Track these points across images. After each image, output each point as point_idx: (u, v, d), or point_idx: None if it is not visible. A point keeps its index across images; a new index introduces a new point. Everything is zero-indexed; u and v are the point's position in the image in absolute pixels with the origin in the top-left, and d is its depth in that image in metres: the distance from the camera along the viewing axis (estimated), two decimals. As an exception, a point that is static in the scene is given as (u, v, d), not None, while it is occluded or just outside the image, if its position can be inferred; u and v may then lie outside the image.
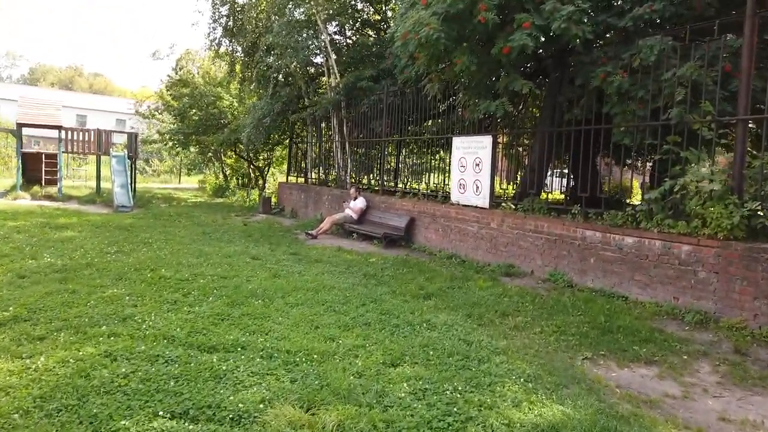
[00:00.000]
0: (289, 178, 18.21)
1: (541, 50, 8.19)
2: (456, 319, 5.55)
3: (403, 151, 15.25)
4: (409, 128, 12.50)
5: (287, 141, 18.53)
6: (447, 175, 10.95)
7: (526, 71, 9.86)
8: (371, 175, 13.94)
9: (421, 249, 10.46)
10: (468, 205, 9.65)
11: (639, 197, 23.90)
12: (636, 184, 26.79)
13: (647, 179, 7.69)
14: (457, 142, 10.02)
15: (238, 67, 16.70)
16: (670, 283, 6.19)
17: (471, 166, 9.60)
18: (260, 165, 20.46)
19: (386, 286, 7.03)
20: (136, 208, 16.50)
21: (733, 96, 6.18)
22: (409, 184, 13.54)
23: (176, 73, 19.85)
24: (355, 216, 12.32)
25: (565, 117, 7.88)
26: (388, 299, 6.30)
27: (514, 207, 9.00)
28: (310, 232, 12.03)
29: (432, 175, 12.03)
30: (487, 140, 9.21)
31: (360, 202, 12.41)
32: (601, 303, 6.42)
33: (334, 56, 14.61)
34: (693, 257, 5.96)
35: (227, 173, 23.33)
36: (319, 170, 15.96)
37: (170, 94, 19.35)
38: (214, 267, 7.61)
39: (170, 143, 20.55)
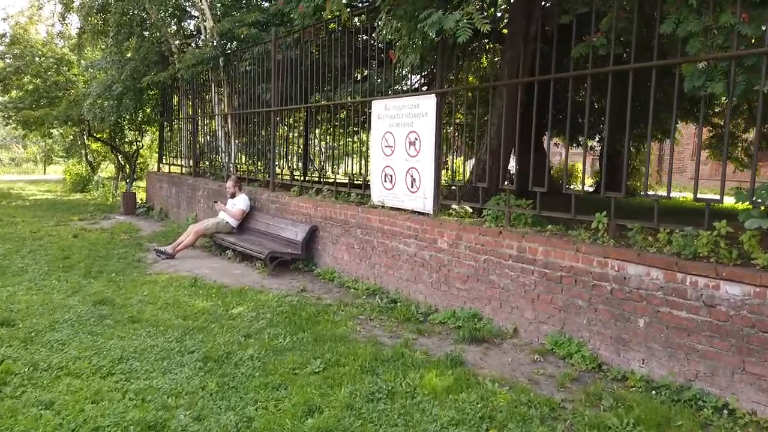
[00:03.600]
0: (162, 166, 13.83)
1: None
2: None
3: (316, 131, 11.41)
4: (315, 96, 8.65)
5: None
6: (365, 161, 7.26)
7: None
8: (261, 163, 9.98)
9: (327, 277, 6.72)
10: (399, 209, 6.03)
11: (580, 183, 21.24)
12: (579, 167, 24.26)
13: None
14: (379, 108, 6.33)
15: (74, 6, 11.94)
16: None
17: (402, 145, 5.96)
18: (126, 150, 15.77)
19: (231, 405, 3.26)
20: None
21: None
22: (314, 174, 9.74)
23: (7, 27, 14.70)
24: (233, 222, 8.38)
25: (573, 55, 4.35)
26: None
27: (471, 212, 5.48)
28: (162, 249, 7.97)
29: (349, 161, 8.21)
30: (428, 102, 5.58)
31: (241, 202, 8.47)
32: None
33: (206, -4, 10.43)
34: None
35: (92, 161, 18.37)
36: (193, 155, 11.73)
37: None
38: None
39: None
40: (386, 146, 6.21)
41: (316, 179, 8.51)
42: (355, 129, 9.37)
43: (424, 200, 5.68)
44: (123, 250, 8.32)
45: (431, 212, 5.58)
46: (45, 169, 25.79)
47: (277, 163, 9.15)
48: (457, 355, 3.98)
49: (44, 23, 16.57)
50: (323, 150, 10.03)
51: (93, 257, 7.68)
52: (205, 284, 6.25)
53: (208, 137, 11.65)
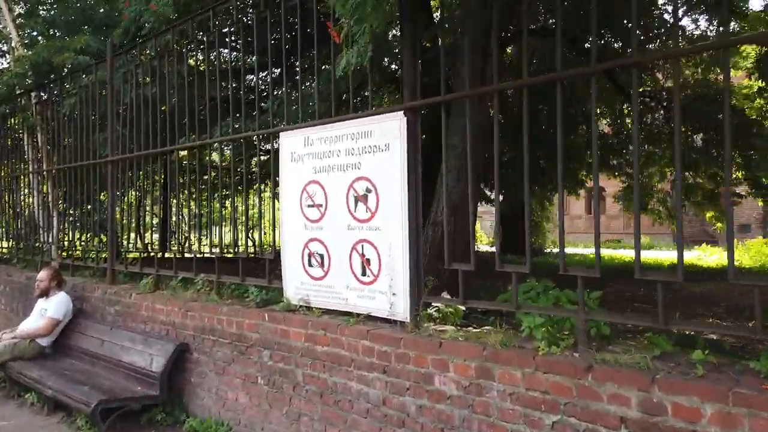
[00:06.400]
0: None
1: None
2: None
3: (183, 192, 8.22)
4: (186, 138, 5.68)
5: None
6: (274, 230, 4.52)
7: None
8: (98, 240, 6.75)
9: (209, 439, 3.82)
10: (340, 314, 3.42)
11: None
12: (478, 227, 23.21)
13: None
14: (294, 143, 3.77)
15: None
16: None
17: (342, 203, 3.43)
18: None
19: None
20: None
21: None
22: (185, 251, 6.74)
23: None
24: (43, 341, 5.15)
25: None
26: None
27: (464, 312, 3.09)
28: None
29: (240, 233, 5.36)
30: (388, 126, 3.16)
31: (53, 308, 5.25)
32: None
33: (10, 12, 7.31)
34: None
35: None
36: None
37: None
38: None
39: None
40: (310, 205, 3.64)
41: (181, 256, 5.53)
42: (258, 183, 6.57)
43: (390, 297, 3.14)
44: None
45: (407, 320, 3.06)
46: None
47: (124, 239, 6.11)
48: None
49: None
50: (194, 217, 7.12)
51: None
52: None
53: (22, 208, 8.10)
